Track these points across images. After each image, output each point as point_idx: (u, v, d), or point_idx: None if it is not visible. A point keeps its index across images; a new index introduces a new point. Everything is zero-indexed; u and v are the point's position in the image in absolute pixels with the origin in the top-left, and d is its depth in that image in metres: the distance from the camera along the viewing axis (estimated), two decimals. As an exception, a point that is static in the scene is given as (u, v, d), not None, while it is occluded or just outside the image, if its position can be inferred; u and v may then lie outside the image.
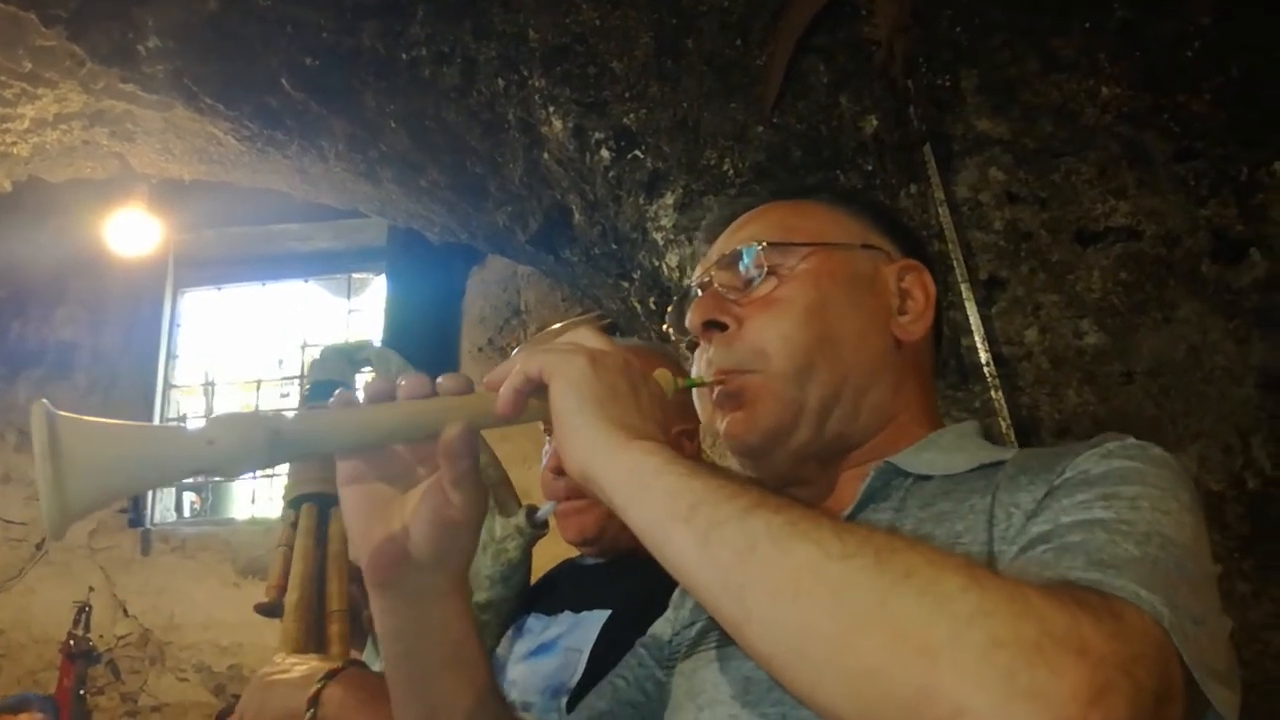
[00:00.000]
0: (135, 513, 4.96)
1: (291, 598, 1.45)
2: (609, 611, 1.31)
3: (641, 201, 2.23)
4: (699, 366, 0.93)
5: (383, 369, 1.66)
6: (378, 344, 4.57)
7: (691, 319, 0.92)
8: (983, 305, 1.89)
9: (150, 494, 5.03)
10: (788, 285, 0.91)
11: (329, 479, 1.55)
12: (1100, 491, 0.68)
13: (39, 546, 4.91)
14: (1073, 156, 1.96)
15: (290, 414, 0.69)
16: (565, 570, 1.54)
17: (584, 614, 1.35)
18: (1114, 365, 1.84)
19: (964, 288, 1.89)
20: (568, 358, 0.74)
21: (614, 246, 2.54)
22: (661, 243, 2.22)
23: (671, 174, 2.18)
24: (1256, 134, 1.92)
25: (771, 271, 0.91)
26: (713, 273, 0.95)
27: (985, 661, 0.50)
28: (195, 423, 0.62)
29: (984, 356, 1.85)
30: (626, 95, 2.24)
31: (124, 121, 3.15)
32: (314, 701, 1.21)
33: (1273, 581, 1.69)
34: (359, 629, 1.51)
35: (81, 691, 4.57)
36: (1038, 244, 1.93)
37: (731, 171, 2.13)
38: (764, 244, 0.92)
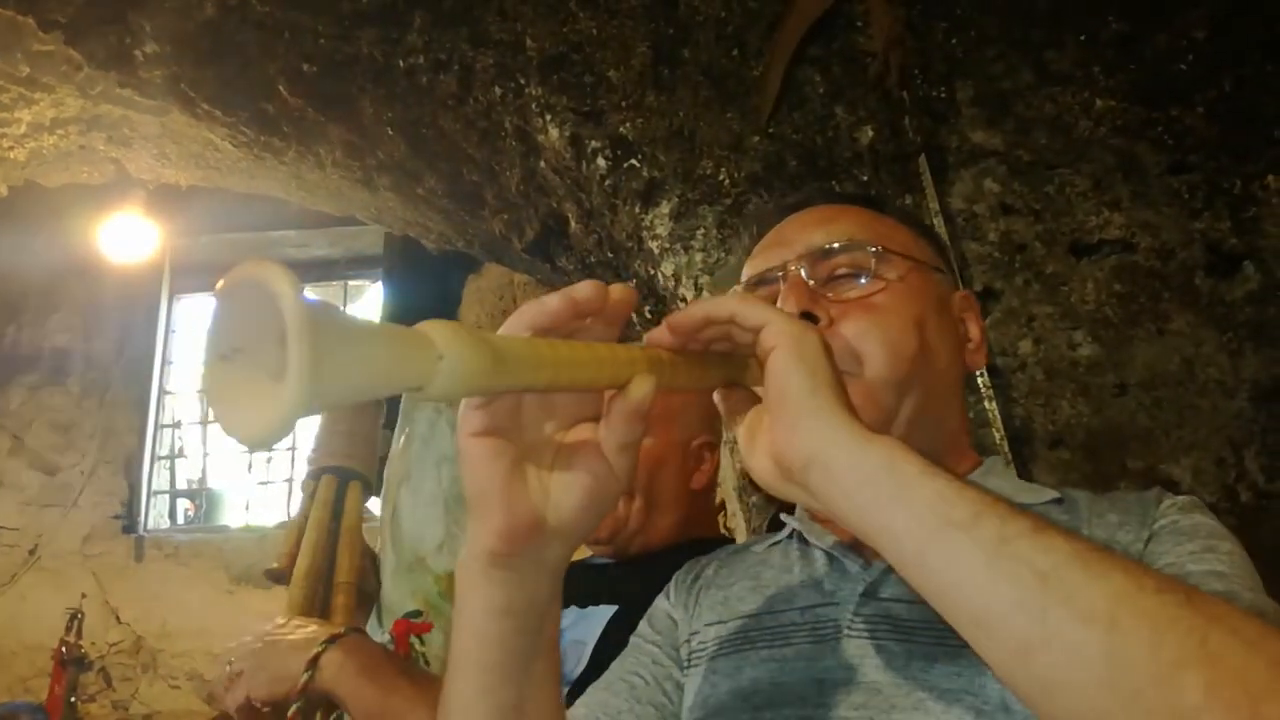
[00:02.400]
0: (129, 519, 4.95)
1: (301, 565, 1.46)
2: (615, 607, 1.31)
3: (637, 210, 2.23)
4: None
5: None
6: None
7: (786, 305, 0.86)
8: (977, 316, 1.89)
9: (144, 500, 5.01)
10: (890, 293, 0.88)
11: (350, 454, 1.56)
12: (1202, 544, 0.70)
13: (32, 552, 4.90)
14: (1067, 169, 1.96)
15: (502, 336, 0.58)
16: (574, 569, 1.55)
17: (590, 609, 1.34)
18: (1107, 377, 1.84)
19: (958, 298, 1.89)
20: (802, 328, 0.67)
21: (610, 255, 2.54)
22: (657, 251, 2.22)
23: (667, 183, 2.19)
24: (1250, 147, 1.92)
25: (869, 274, 0.89)
26: (797, 263, 0.90)
27: None
28: (425, 335, 0.47)
29: (978, 367, 1.85)
30: (623, 104, 2.24)
31: (121, 127, 3.15)
32: (313, 664, 1.23)
33: (1267, 594, 1.69)
34: (364, 603, 1.52)
35: (73, 699, 4.54)
36: (1032, 256, 1.93)
37: (727, 181, 2.14)
38: (867, 245, 0.89)
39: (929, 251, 0.96)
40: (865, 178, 2.05)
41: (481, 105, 2.46)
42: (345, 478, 1.56)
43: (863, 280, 0.89)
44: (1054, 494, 0.85)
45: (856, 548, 0.90)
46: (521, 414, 0.67)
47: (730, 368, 0.69)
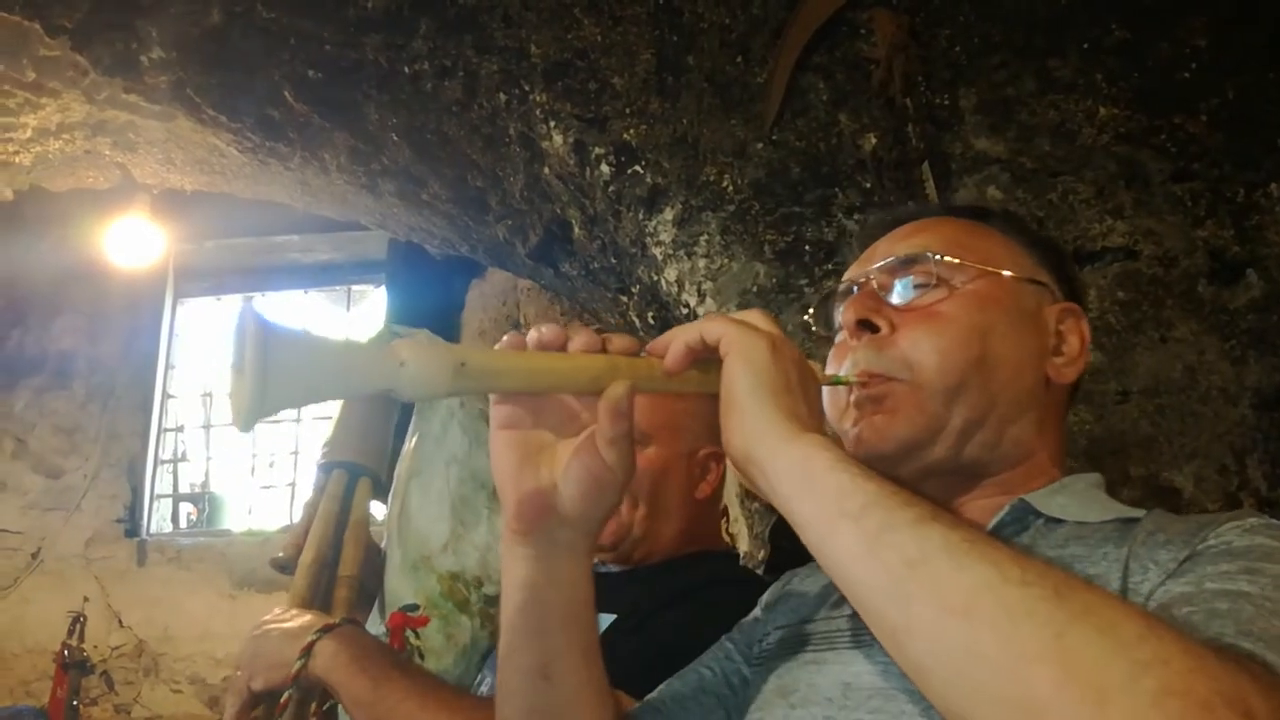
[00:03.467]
0: (131, 523, 4.96)
1: (306, 557, 1.47)
2: (614, 616, 1.31)
3: (641, 217, 2.24)
4: (837, 364, 0.92)
5: None
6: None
7: (846, 315, 0.91)
8: (980, 323, 1.89)
9: (146, 504, 5.02)
10: (953, 301, 0.89)
11: (361, 449, 1.57)
12: (1244, 565, 0.68)
13: (34, 556, 4.90)
14: (1070, 176, 1.97)
15: (472, 348, 0.71)
16: None
17: None
18: (1110, 384, 1.84)
19: (961, 305, 1.90)
20: (751, 336, 0.75)
21: (613, 261, 2.55)
22: (660, 258, 2.23)
23: (671, 189, 2.19)
24: (1252, 156, 1.93)
25: (939, 284, 0.90)
26: (873, 274, 0.94)
27: (1157, 709, 0.50)
28: (391, 345, 0.64)
29: (981, 374, 1.85)
30: (627, 111, 2.25)
31: (126, 132, 3.16)
32: (306, 652, 1.24)
33: None
34: (366, 598, 1.53)
35: (75, 702, 4.53)
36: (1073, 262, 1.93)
37: (731, 188, 2.14)
38: (937, 255, 0.91)
39: (1026, 262, 0.96)
40: (868, 185, 2.05)
41: (486, 111, 2.47)
42: (355, 474, 1.57)
43: (931, 289, 0.91)
44: (1127, 513, 0.84)
45: None
46: (540, 415, 0.79)
47: (709, 374, 0.77)
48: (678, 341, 0.75)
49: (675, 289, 2.20)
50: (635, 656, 1.13)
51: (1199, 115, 1.96)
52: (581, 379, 0.74)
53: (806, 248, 2.05)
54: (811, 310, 1.03)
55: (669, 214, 2.19)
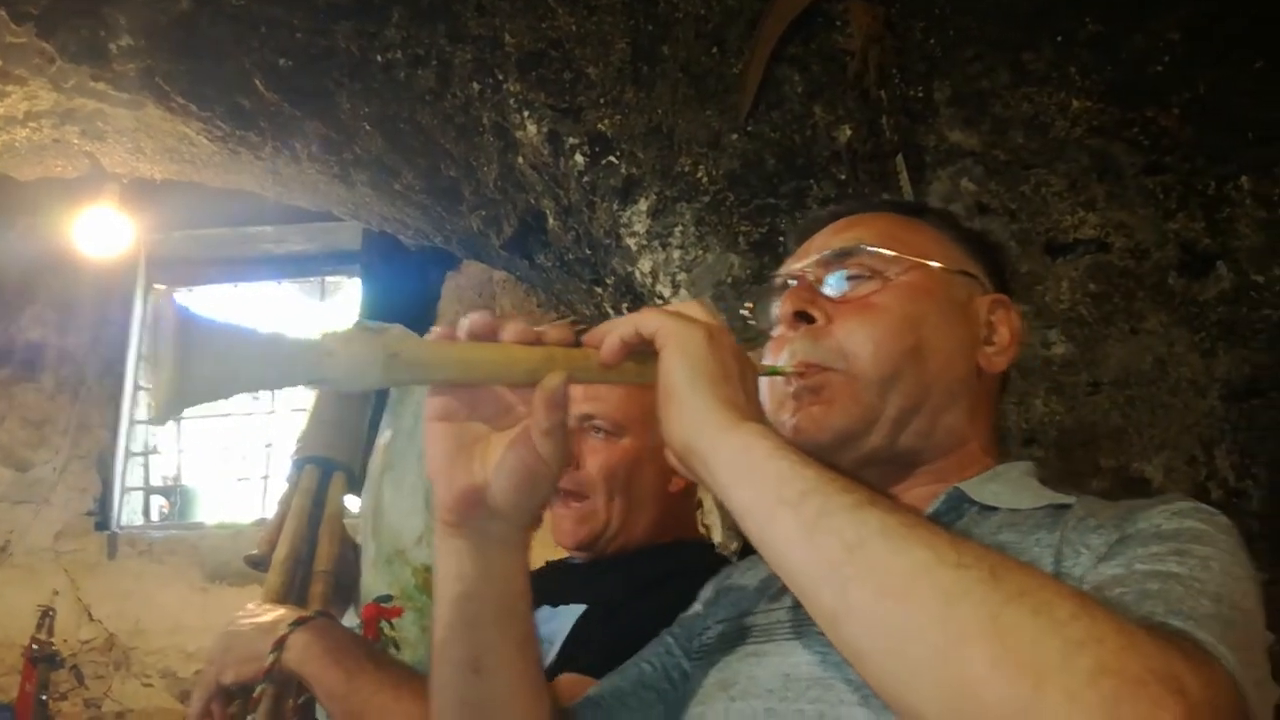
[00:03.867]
0: (102, 516, 4.90)
1: (280, 553, 1.47)
2: (585, 606, 1.32)
3: (615, 207, 2.23)
4: (775, 356, 0.93)
5: None
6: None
7: (783, 307, 0.92)
8: (953, 315, 1.90)
9: (117, 497, 4.96)
10: (886, 292, 0.91)
11: (335, 444, 1.56)
12: (1173, 547, 0.69)
13: (3, 549, 4.84)
14: (1043, 169, 1.97)
15: (404, 338, 0.69)
16: (548, 569, 1.55)
17: (561, 608, 1.35)
18: (1081, 376, 1.86)
19: (935, 297, 1.90)
20: (687, 327, 0.74)
21: (588, 252, 2.54)
22: (635, 248, 2.22)
23: (645, 180, 2.18)
24: (1224, 149, 1.94)
25: (872, 276, 0.92)
26: (809, 267, 0.95)
27: (1092, 687, 0.51)
28: (321, 336, 0.63)
29: (954, 366, 1.86)
30: (601, 101, 2.24)
31: (95, 120, 3.11)
32: (279, 645, 1.23)
33: (1253, 603, 1.70)
34: (341, 593, 1.52)
35: (44, 697, 4.48)
36: (1008, 255, 1.94)
37: (705, 179, 2.14)
38: (871, 248, 0.93)
39: (957, 255, 0.98)
40: (843, 177, 2.05)
41: (459, 101, 2.45)
42: (329, 469, 1.56)
43: (865, 280, 0.92)
44: (1059, 499, 0.85)
45: None
46: (475, 407, 0.78)
47: (647, 366, 0.76)
48: (613, 335, 0.75)
49: (650, 280, 2.20)
50: (606, 645, 1.14)
51: (1171, 109, 1.97)
52: (517, 371, 0.74)
53: (781, 239, 2.05)
54: (749, 305, 1.03)
55: (643, 205, 2.18)
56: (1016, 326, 0.97)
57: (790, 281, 0.96)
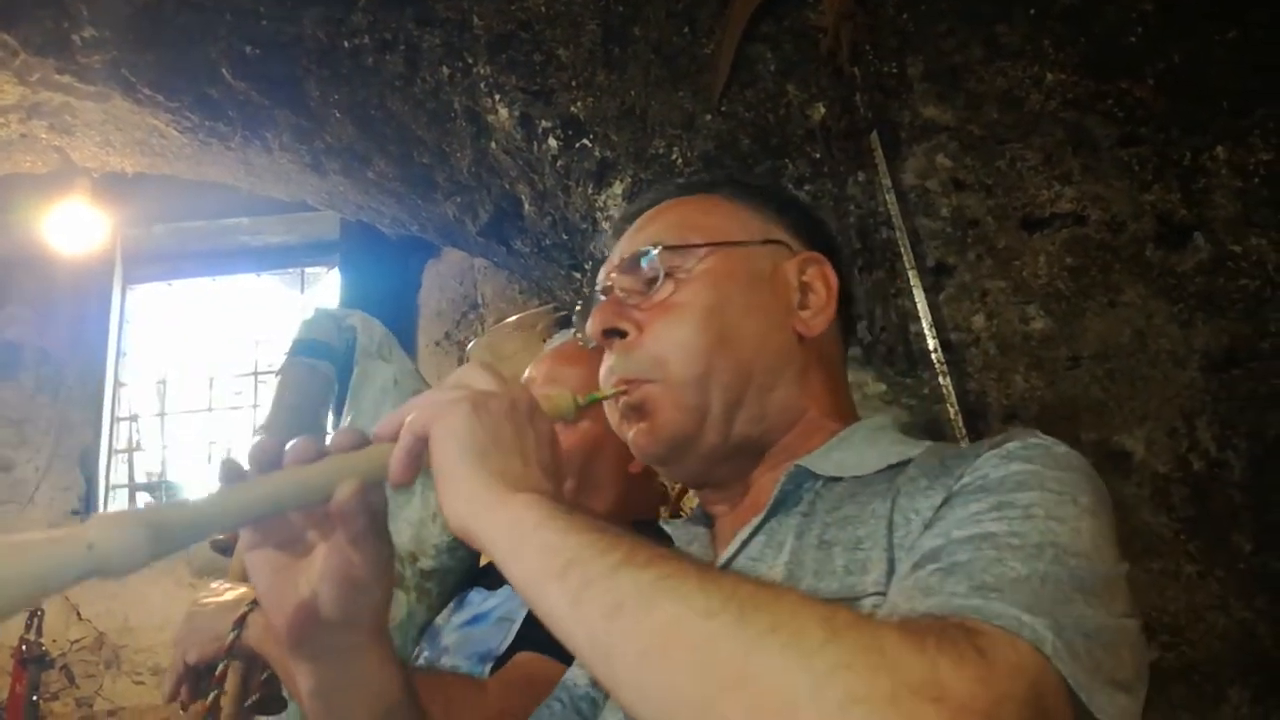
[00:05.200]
0: (87, 514, 4.87)
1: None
2: None
3: (590, 191, 2.21)
4: (603, 375, 0.92)
5: (365, 340, 1.67)
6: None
7: (590, 327, 0.92)
8: (930, 292, 1.89)
9: (101, 494, 4.94)
10: (686, 288, 0.90)
11: (295, 429, 1.56)
12: (995, 500, 0.68)
13: (-13, 550, 4.80)
14: (1018, 143, 1.96)
15: (171, 505, 0.69)
16: None
17: None
18: (1060, 350, 1.85)
19: (911, 274, 1.89)
20: (449, 406, 0.72)
21: (565, 237, 2.51)
22: (612, 233, 2.20)
23: (620, 163, 2.16)
24: (1199, 119, 1.93)
25: (669, 274, 0.90)
26: (613, 278, 0.94)
27: (843, 717, 0.50)
28: (75, 527, 0.60)
29: (932, 343, 1.85)
30: (573, 84, 2.21)
31: (62, 114, 3.06)
32: (239, 623, 1.26)
33: (1218, 563, 1.71)
34: None
35: (35, 697, 4.47)
36: (984, 230, 1.93)
37: (680, 160, 2.12)
38: (660, 247, 0.91)
39: (757, 225, 0.96)
40: (818, 155, 2.03)
41: (429, 85, 2.41)
42: None
43: (664, 281, 0.91)
44: (904, 455, 0.83)
45: (715, 542, 0.93)
46: (288, 527, 0.78)
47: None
48: (397, 451, 0.73)
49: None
50: None
51: (1145, 80, 1.95)
52: (308, 491, 0.72)
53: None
54: (577, 334, 1.02)
55: (618, 188, 2.16)
56: (833, 281, 0.95)
57: (600, 296, 0.95)
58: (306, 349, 1.59)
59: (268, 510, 0.72)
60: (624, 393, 0.89)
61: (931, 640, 0.54)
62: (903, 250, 1.90)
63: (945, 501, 0.71)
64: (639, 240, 0.95)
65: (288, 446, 0.73)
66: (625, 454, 1.47)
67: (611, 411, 0.93)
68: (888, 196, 1.94)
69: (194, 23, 2.47)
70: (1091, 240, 1.89)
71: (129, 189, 4.37)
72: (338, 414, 1.62)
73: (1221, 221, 1.87)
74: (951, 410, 1.80)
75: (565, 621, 0.61)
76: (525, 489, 0.69)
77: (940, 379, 1.83)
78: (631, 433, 0.90)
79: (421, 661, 1.45)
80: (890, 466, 0.83)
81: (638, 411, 0.89)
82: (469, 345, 4.09)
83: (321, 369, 1.54)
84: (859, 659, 0.52)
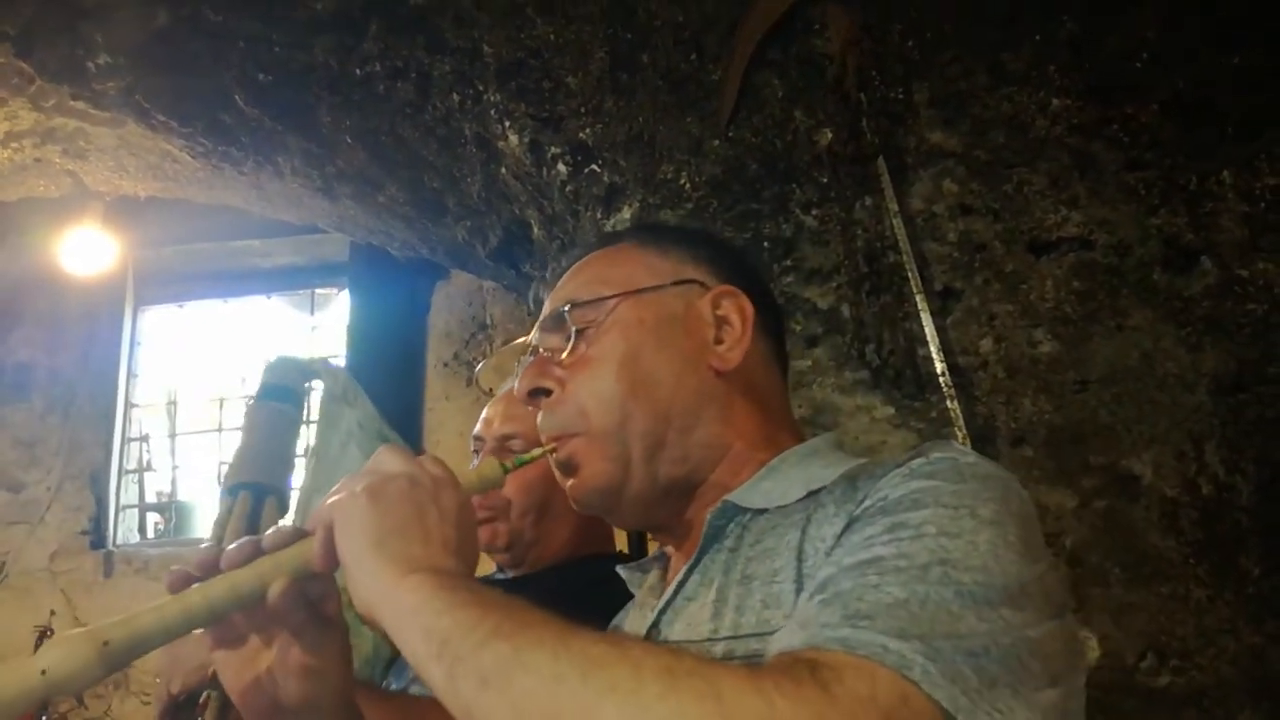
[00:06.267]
0: (97, 534, 4.88)
1: None
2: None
3: (599, 216, 2.22)
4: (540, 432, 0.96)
5: (330, 385, 1.70)
6: (341, 361, 4.51)
7: (518, 388, 0.96)
8: (938, 316, 1.90)
9: (112, 515, 4.95)
10: (599, 342, 0.93)
11: (264, 469, 1.59)
12: (889, 521, 0.68)
13: (-2, 570, 4.82)
14: (1024, 168, 1.97)
15: (113, 623, 0.71)
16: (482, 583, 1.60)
17: None
18: (1068, 374, 1.85)
19: (919, 299, 1.90)
20: (348, 500, 0.76)
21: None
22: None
23: (628, 188, 2.18)
24: (1205, 144, 1.94)
25: (583, 330, 0.93)
26: (537, 338, 0.98)
27: None
28: (26, 658, 0.65)
29: (940, 367, 1.86)
30: (582, 110, 2.23)
31: (76, 139, 3.10)
32: None
33: (1227, 587, 1.70)
34: None
35: (44, 717, 4.48)
36: (991, 255, 1.94)
37: (688, 185, 2.13)
38: (570, 305, 0.94)
39: (666, 268, 0.98)
40: (825, 180, 2.05)
41: (440, 112, 2.44)
42: (260, 493, 1.58)
43: (578, 337, 0.94)
44: (817, 484, 0.84)
45: (661, 588, 0.95)
46: (245, 624, 0.82)
47: None
48: (315, 544, 0.76)
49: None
50: None
51: (1150, 105, 1.97)
52: (241, 596, 0.76)
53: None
54: (516, 388, 1.04)
55: (627, 212, 2.17)
56: (748, 312, 0.96)
57: (529, 357, 0.99)
58: (271, 393, 1.63)
59: (206, 618, 0.76)
60: (552, 450, 0.92)
61: (770, 681, 0.55)
62: (910, 274, 1.91)
63: (847, 527, 0.72)
64: (557, 300, 0.98)
65: (224, 553, 0.77)
66: None
67: (552, 471, 0.96)
68: (895, 221, 1.95)
69: (207, 50, 2.51)
70: (1098, 264, 1.90)
71: (140, 212, 4.41)
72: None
73: (1228, 246, 1.88)
74: (960, 434, 1.81)
75: (446, 697, 0.64)
76: (419, 570, 0.71)
77: (948, 403, 1.84)
78: (568, 490, 0.94)
79: None
80: (811, 493, 0.83)
81: (567, 469, 0.92)
82: (477, 366, 4.11)
83: (288, 411, 1.58)
84: (693, 708, 0.54)
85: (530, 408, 0.97)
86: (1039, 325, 1.89)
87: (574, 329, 0.93)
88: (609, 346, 0.92)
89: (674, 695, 0.55)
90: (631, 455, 0.90)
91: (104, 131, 2.99)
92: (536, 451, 0.94)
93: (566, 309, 0.94)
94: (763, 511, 0.85)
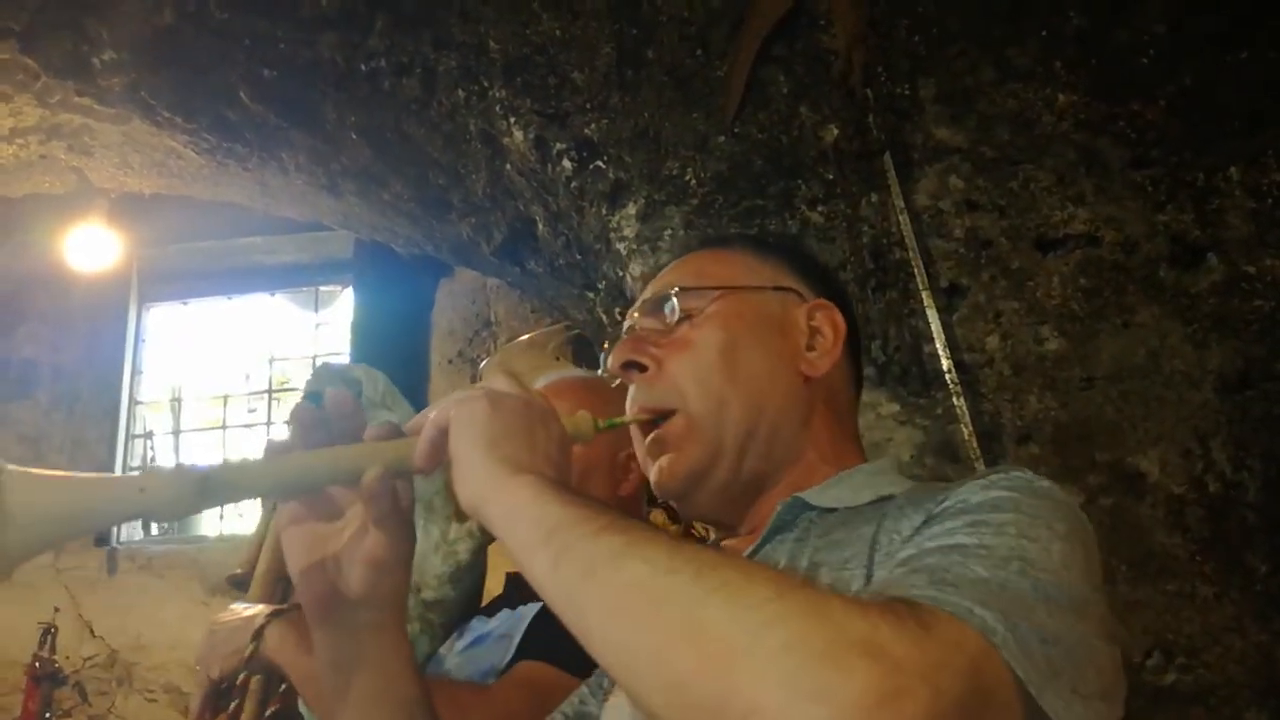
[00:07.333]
0: (101, 531, 4.89)
1: (261, 567, 1.58)
2: (540, 604, 1.38)
3: (604, 212, 2.22)
4: (628, 405, 0.98)
5: (371, 387, 1.74)
6: (345, 358, 4.52)
7: (611, 361, 0.98)
8: (944, 312, 1.90)
9: (116, 512, 4.96)
10: (700, 327, 0.96)
11: None
12: (971, 519, 0.70)
13: (2, 568, 4.83)
14: (1031, 164, 1.97)
15: (218, 466, 0.73)
16: (510, 579, 1.62)
17: (520, 609, 1.45)
18: (1074, 371, 1.85)
19: (925, 295, 1.90)
20: (467, 402, 0.80)
21: (578, 257, 2.53)
22: (625, 253, 2.21)
23: (633, 184, 2.18)
24: (1211, 140, 1.93)
25: (686, 315, 0.97)
26: (635, 317, 1.02)
27: (775, 664, 0.53)
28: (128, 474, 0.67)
29: (946, 364, 1.85)
30: (587, 106, 2.23)
31: (81, 135, 3.11)
32: (258, 636, 1.32)
33: (1234, 584, 1.70)
34: None
35: (48, 715, 4.47)
36: (998, 251, 1.94)
37: (694, 181, 2.13)
38: (677, 289, 0.98)
39: (767, 273, 1.02)
40: (830, 176, 2.04)
41: (445, 108, 2.44)
42: None
43: (681, 320, 0.98)
44: (887, 490, 0.88)
45: None
46: (323, 506, 0.85)
47: None
48: (421, 440, 0.80)
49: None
50: (563, 633, 1.18)
51: (1157, 101, 1.96)
52: (339, 470, 0.79)
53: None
54: (601, 361, 1.07)
55: (632, 209, 2.17)
56: (841, 326, 1.00)
57: (623, 335, 1.02)
58: (315, 399, 1.67)
59: (302, 480, 0.79)
60: (644, 420, 0.95)
61: (875, 608, 0.56)
62: (916, 271, 1.91)
63: (925, 522, 0.74)
64: (659, 286, 1.02)
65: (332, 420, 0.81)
66: (615, 480, 1.54)
67: (639, 446, 0.98)
68: (901, 217, 1.95)
69: (212, 46, 2.51)
70: (1105, 261, 1.90)
71: (145, 209, 4.41)
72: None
73: (1235, 242, 1.88)
74: (966, 431, 1.81)
75: (546, 584, 0.66)
76: (530, 471, 0.74)
77: (954, 400, 1.83)
78: (654, 469, 0.95)
79: None
80: (881, 498, 0.87)
81: (660, 446, 0.94)
82: (481, 363, 4.11)
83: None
84: (800, 613, 0.55)
85: (618, 381, 1.00)
86: (1045, 322, 1.88)
87: (678, 312, 0.97)
88: (709, 333, 0.95)
89: (782, 601, 0.56)
90: (724, 443, 0.92)
91: (109, 128, 3.00)
92: (629, 416, 0.96)
93: (675, 291, 0.97)
94: (832, 510, 0.88)
